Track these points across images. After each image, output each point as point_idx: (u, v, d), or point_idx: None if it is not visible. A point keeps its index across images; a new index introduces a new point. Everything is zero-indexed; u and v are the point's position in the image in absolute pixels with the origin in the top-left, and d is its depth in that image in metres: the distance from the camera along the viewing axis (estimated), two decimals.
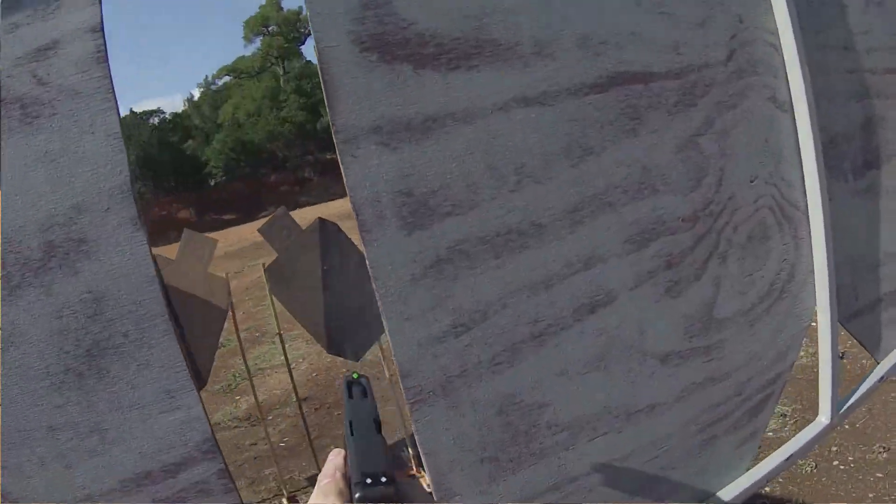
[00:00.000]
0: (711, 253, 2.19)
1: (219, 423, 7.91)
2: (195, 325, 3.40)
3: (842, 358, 6.79)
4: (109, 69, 1.50)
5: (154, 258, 3.27)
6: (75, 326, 1.51)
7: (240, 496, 1.69)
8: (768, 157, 2.31)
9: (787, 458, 2.42)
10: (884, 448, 5.90)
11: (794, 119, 2.35)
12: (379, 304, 1.73)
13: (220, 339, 6.69)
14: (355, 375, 1.37)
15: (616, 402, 2.05)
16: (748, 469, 2.38)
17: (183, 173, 47.45)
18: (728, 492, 2.31)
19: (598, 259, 1.98)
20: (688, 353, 2.16)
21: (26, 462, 1.50)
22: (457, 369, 1.82)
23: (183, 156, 49.02)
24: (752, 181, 2.26)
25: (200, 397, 1.64)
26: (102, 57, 1.50)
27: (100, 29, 1.51)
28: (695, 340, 2.18)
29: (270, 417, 7.69)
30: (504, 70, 1.87)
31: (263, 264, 4.59)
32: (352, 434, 1.21)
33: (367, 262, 1.70)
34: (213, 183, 48.51)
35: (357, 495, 1.06)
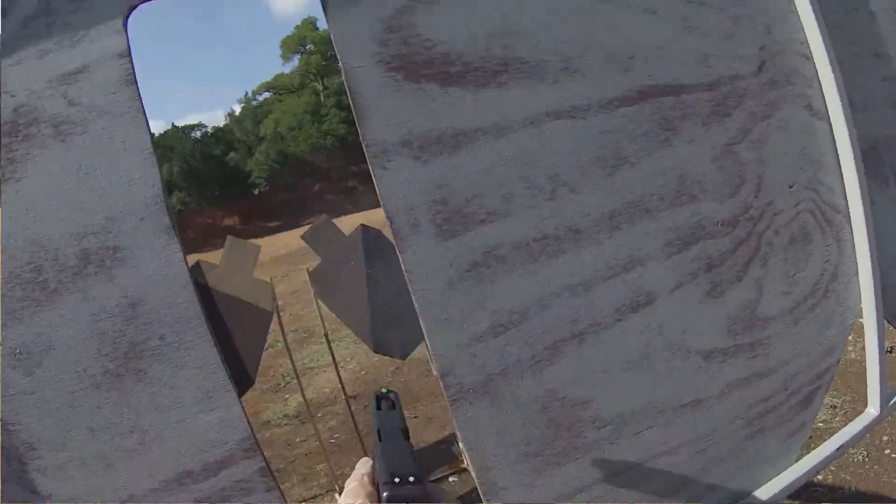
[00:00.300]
0: (752, 256, 1.94)
1: (269, 422, 7.57)
2: (241, 328, 3.23)
3: (890, 352, 6.21)
4: (139, 91, 1.40)
5: (198, 263, 3.11)
6: (112, 330, 1.38)
7: (282, 494, 1.53)
8: (807, 163, 2.05)
9: (838, 449, 2.13)
10: None
11: (831, 126, 2.06)
12: (416, 307, 1.57)
13: (269, 341, 6.47)
14: (384, 391, 1.29)
15: (661, 397, 1.83)
16: (797, 460, 2.10)
17: (226, 184, 45.49)
18: (777, 482, 2.04)
19: (637, 262, 1.77)
20: (732, 350, 1.92)
21: (68, 463, 1.39)
22: (497, 368, 1.63)
23: (226, 167, 46.80)
24: (791, 187, 2.00)
25: (239, 397, 1.49)
26: (131, 79, 1.40)
27: (127, 54, 1.39)
28: (739, 338, 1.93)
29: (320, 415, 7.29)
30: (533, 86, 1.68)
31: (308, 268, 4.36)
32: (380, 440, 1.14)
33: (402, 267, 1.55)
34: (256, 192, 46.47)
35: (385, 494, 0.98)
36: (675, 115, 1.83)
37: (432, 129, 1.56)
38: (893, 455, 5.14)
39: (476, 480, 1.65)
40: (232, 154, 47.58)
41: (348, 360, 9.22)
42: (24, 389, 1.36)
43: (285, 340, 5.03)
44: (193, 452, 1.44)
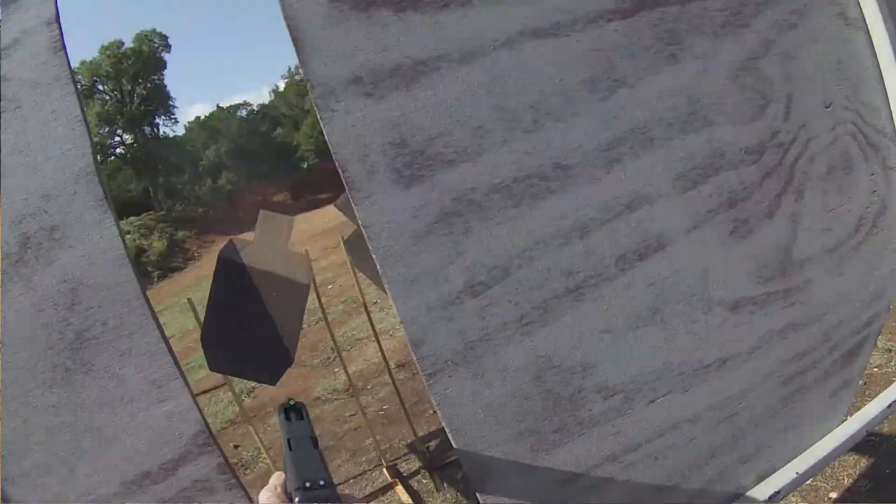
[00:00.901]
0: (784, 188, 1.64)
1: (319, 398, 7.24)
2: (278, 303, 3.02)
3: None
4: (67, 57, 1.32)
5: (231, 241, 2.92)
6: (56, 319, 1.31)
7: (245, 491, 1.41)
8: (844, 79, 1.74)
9: (889, 405, 1.85)
10: None
11: (869, 36, 1.75)
12: (378, 267, 1.34)
13: (317, 315, 6.26)
14: (292, 402, 1.23)
15: (678, 358, 1.55)
16: (843, 420, 1.82)
17: (275, 160, 43.96)
18: (821, 447, 1.77)
19: (643, 200, 1.49)
20: (762, 298, 1.63)
21: (34, 469, 1.33)
22: (477, 333, 1.39)
23: (273, 143, 45.26)
24: (827, 107, 1.70)
25: (188, 385, 1.37)
26: (59, 46, 1.32)
27: (55, 20, 1.33)
28: (770, 284, 1.64)
29: (370, 386, 7.05)
30: (505, 2, 1.42)
31: (342, 236, 4.09)
32: (290, 449, 1.11)
33: (359, 223, 1.34)
34: (305, 166, 44.44)
35: (297, 499, 0.98)
36: (682, 27, 1.54)
37: (386, 61, 1.34)
38: None
39: (463, 466, 1.42)
40: (279, 130, 46.76)
41: (397, 327, 8.81)
42: None
43: (324, 314, 4.79)
44: (148, 450, 1.34)
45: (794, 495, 3.64)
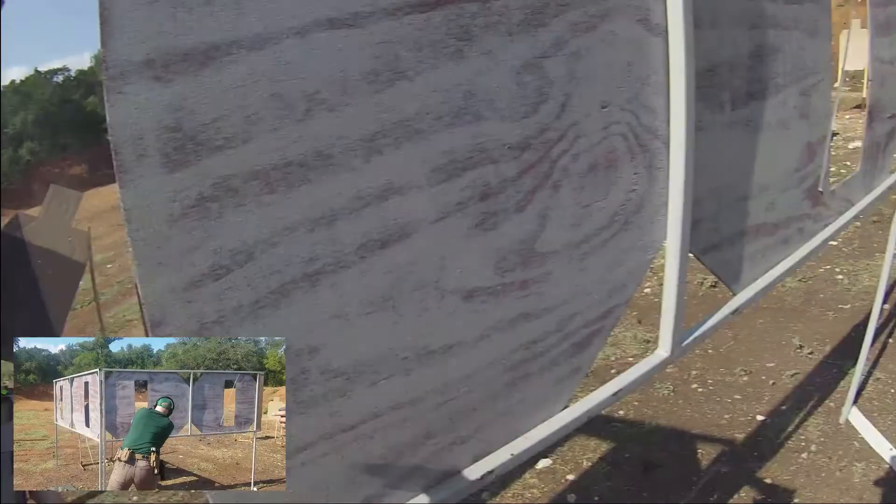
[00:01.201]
0: (541, 182, 2.13)
1: None
2: (51, 280, 3.40)
3: (714, 287, 7.48)
4: None
5: (16, 216, 3.28)
6: None
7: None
8: (630, 82, 2.24)
9: (615, 394, 2.47)
10: (745, 371, 6.49)
11: (667, 43, 2.27)
12: (130, 250, 1.64)
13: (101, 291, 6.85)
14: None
15: (404, 343, 2.02)
16: (567, 406, 2.41)
17: (82, 129, 45.82)
18: (542, 429, 2.37)
19: (394, 191, 1.91)
20: (498, 289, 2.13)
21: None
22: (213, 315, 1.77)
23: (82, 112, 47.39)
24: (604, 107, 2.20)
25: None
26: None
27: None
28: (508, 276, 2.14)
29: None
30: None
31: None
32: None
33: (122, 207, 1.62)
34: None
35: None
36: (477, 23, 1.95)
37: (181, 45, 1.59)
38: (700, 389, 6.07)
39: None
40: (92, 97, 45.28)
41: None
42: None
43: (96, 295, 5.15)
44: None
45: (531, 477, 4.65)
